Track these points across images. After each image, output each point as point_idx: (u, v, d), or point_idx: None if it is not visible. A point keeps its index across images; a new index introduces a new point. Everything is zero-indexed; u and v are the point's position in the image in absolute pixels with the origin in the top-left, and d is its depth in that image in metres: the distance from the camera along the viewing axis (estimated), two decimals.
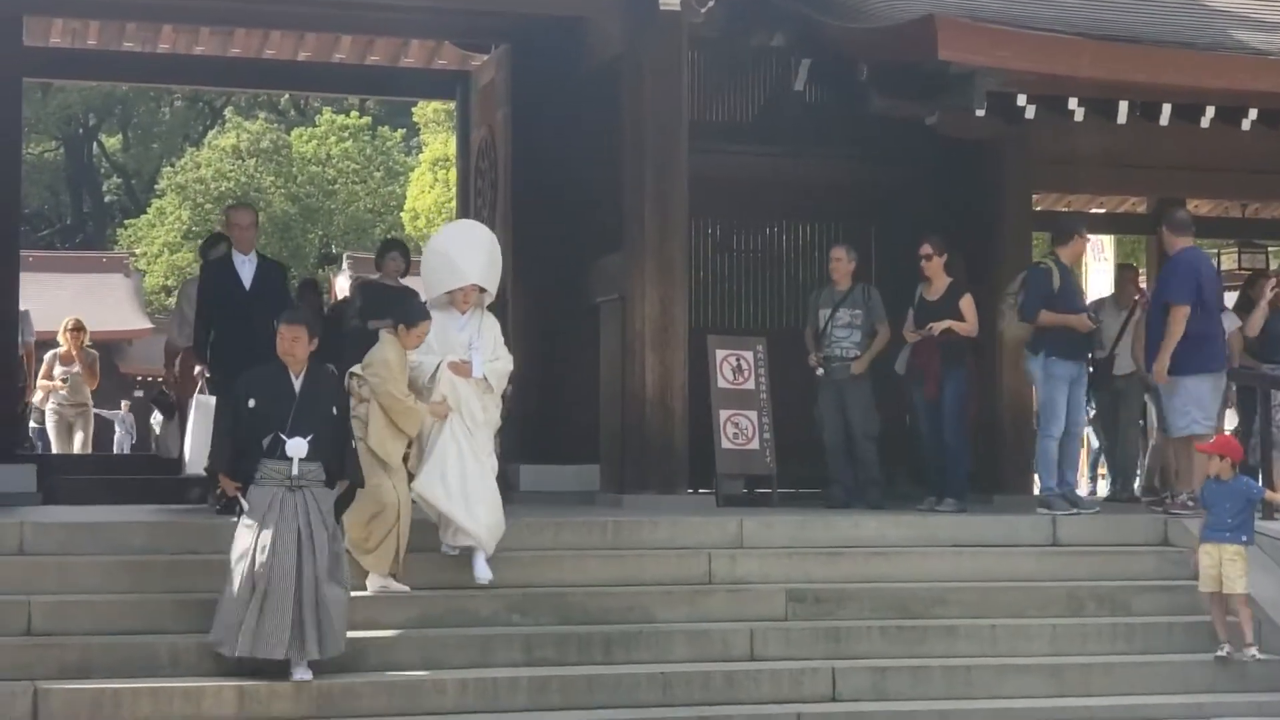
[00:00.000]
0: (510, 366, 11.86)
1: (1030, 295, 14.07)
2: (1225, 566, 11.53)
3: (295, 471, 10.16)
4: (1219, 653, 11.52)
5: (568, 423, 15.63)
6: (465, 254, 11.77)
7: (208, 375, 12.50)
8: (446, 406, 11.30)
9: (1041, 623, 11.88)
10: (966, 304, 14.24)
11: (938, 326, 14.07)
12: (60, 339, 19.91)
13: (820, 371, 14.57)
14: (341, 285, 35.97)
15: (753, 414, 15.20)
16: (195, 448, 12.05)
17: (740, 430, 15.08)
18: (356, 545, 10.92)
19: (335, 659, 10.43)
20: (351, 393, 11.10)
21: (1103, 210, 20.78)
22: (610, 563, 11.79)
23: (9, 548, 11.26)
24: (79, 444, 20.10)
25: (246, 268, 12.59)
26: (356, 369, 11.25)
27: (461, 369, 11.44)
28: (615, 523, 12.30)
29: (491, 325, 11.79)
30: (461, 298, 11.62)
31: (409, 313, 11.33)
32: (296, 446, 10.14)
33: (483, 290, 11.74)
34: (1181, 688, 11.41)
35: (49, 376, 19.83)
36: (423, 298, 11.77)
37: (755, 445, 15.12)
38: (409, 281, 14.22)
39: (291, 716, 10.01)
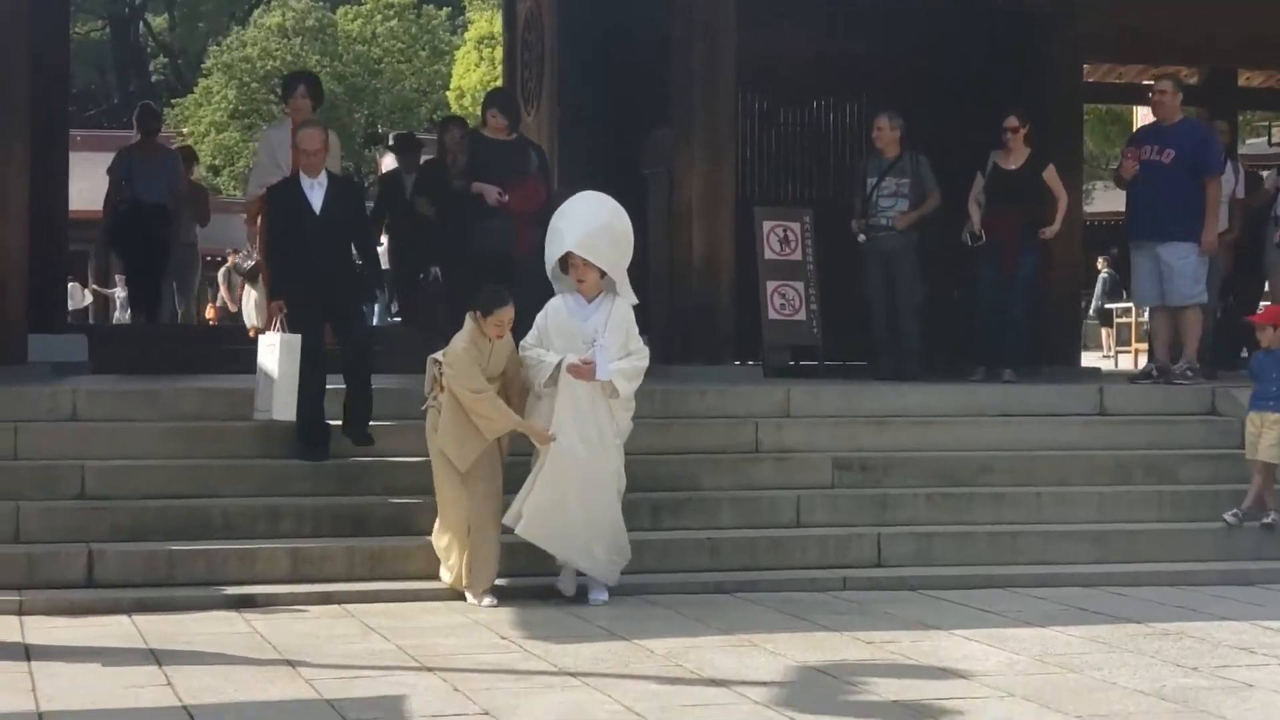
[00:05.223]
0: (644, 363, 10.10)
1: None
2: (1263, 434, 11.55)
3: None
4: (1265, 520, 11.54)
5: None
6: (574, 220, 10.08)
7: (285, 310, 11.10)
8: (550, 435, 9.79)
9: (1088, 490, 11.92)
10: (1052, 175, 14.20)
11: (1048, 232, 14.11)
12: (169, 203, 17.31)
13: (862, 238, 14.48)
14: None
15: (800, 285, 15.20)
16: (282, 391, 10.84)
17: (787, 301, 15.09)
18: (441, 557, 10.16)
19: (391, 521, 10.57)
20: (435, 381, 10.08)
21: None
22: (658, 431, 11.81)
23: (62, 414, 11.39)
24: (179, 294, 18.65)
25: (316, 192, 11.34)
26: (438, 355, 10.08)
27: (583, 371, 9.80)
28: (663, 392, 12.31)
29: (622, 314, 10.04)
30: (577, 276, 9.98)
31: (484, 300, 9.89)
32: None
33: (603, 274, 10.00)
34: (1226, 554, 11.45)
35: None
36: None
37: (802, 316, 15.13)
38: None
39: (345, 577, 10.15)
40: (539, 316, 10.09)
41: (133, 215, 16.50)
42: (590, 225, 10.01)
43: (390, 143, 18.74)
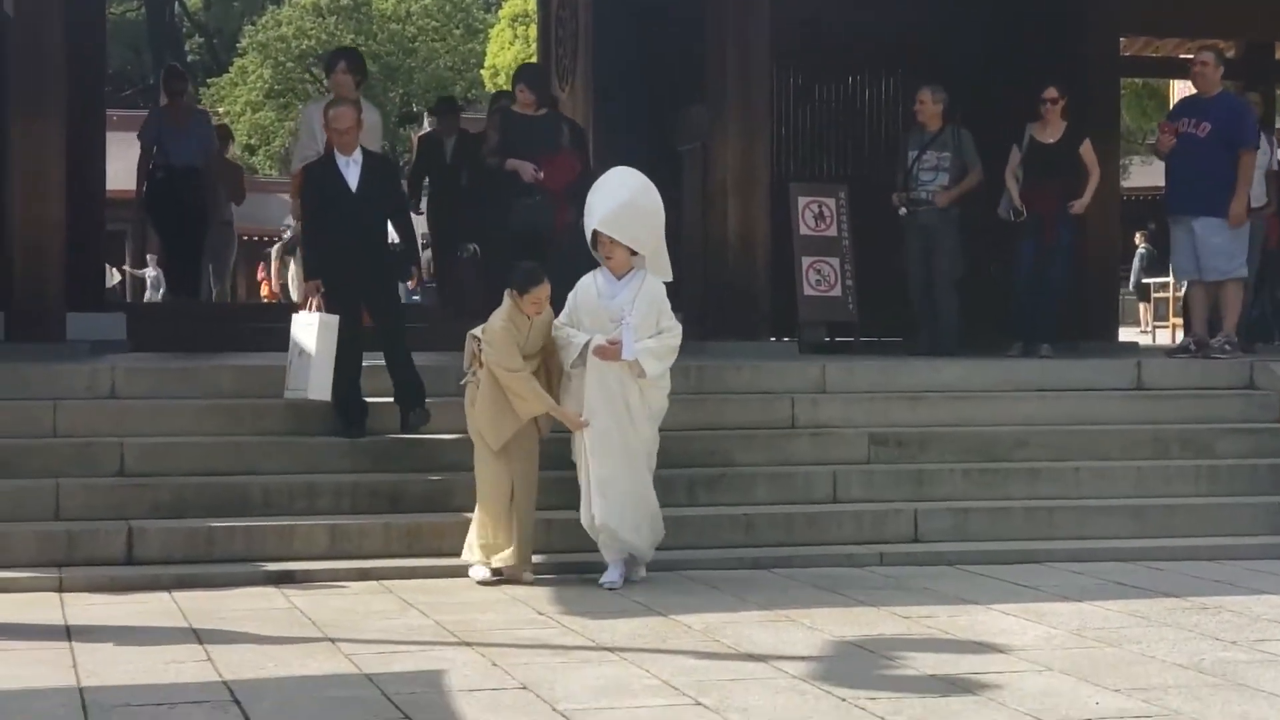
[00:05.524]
0: (676, 341, 9.87)
1: None
2: None
3: None
4: None
5: None
6: (601, 197, 9.90)
7: (322, 290, 11.03)
8: (583, 421, 9.71)
9: (1125, 465, 11.89)
10: (1087, 150, 14.15)
11: (1079, 205, 14.03)
12: (201, 164, 16.95)
13: (903, 211, 14.41)
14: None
15: (835, 261, 15.20)
16: (319, 371, 10.81)
17: (823, 277, 15.09)
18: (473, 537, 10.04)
19: (428, 497, 10.62)
20: (474, 356, 9.95)
21: (1191, 56, 20.51)
22: (693, 407, 11.80)
23: (101, 392, 11.44)
24: (214, 273, 18.53)
25: (351, 169, 11.16)
26: (477, 331, 9.93)
27: (608, 351, 9.63)
28: (698, 368, 12.31)
29: (651, 291, 9.80)
30: (605, 253, 9.82)
31: (520, 278, 9.77)
32: None
33: (634, 253, 9.82)
34: (1266, 529, 11.39)
35: None
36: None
37: (838, 292, 15.13)
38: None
39: (382, 553, 10.19)
40: (570, 295, 9.97)
41: (167, 182, 16.44)
42: (615, 202, 9.85)
43: (429, 108, 18.77)
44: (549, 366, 10.00)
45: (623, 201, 9.85)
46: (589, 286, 9.88)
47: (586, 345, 9.68)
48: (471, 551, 9.94)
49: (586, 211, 10.03)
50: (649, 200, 9.94)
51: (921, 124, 14.52)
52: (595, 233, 9.88)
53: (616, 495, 9.71)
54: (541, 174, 12.87)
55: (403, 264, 12.32)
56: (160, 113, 16.97)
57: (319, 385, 10.85)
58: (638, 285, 9.80)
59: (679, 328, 9.96)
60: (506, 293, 9.87)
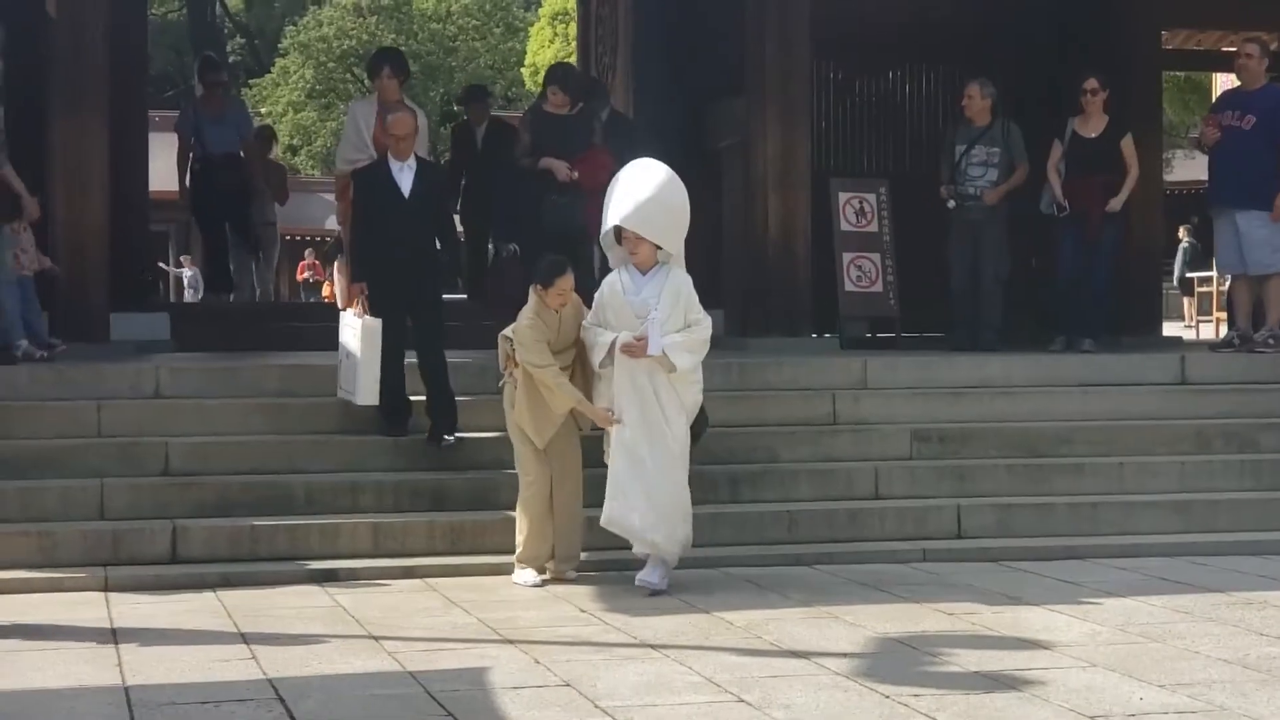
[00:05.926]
0: (705, 334, 9.59)
1: None
2: None
3: None
4: None
5: (690, 268, 15.59)
6: (624, 192, 9.60)
7: (366, 293, 11.06)
8: (613, 419, 9.54)
9: (1169, 460, 11.85)
10: (1128, 145, 14.00)
11: (1116, 203, 13.89)
12: (241, 150, 17.04)
13: (951, 204, 14.23)
14: None
15: (876, 256, 15.16)
16: (365, 376, 10.87)
17: (864, 273, 15.06)
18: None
19: (470, 495, 10.63)
20: (508, 357, 9.87)
21: (1234, 49, 20.39)
22: (735, 403, 11.82)
23: (145, 391, 11.50)
24: (257, 270, 18.41)
25: (405, 175, 11.12)
26: (508, 331, 9.85)
27: (635, 348, 9.41)
28: (740, 364, 12.33)
29: (677, 284, 9.55)
30: (630, 249, 9.57)
31: (544, 271, 9.71)
32: None
33: (658, 246, 9.59)
34: None
35: None
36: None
37: (879, 288, 15.10)
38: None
39: (425, 551, 10.23)
40: (596, 294, 9.83)
41: (205, 174, 16.51)
42: (640, 197, 9.53)
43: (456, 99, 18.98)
44: (583, 360, 9.89)
45: (648, 197, 9.57)
46: (614, 283, 9.70)
47: (614, 343, 9.51)
48: (519, 554, 9.93)
49: (606, 205, 9.76)
50: (673, 195, 9.66)
51: (969, 119, 14.38)
52: (617, 228, 9.67)
53: (647, 503, 9.48)
54: (576, 173, 12.87)
55: (446, 270, 12.32)
56: (197, 103, 17.03)
57: (366, 391, 10.91)
58: (663, 279, 9.58)
59: (709, 320, 9.70)
60: (531, 289, 9.80)
